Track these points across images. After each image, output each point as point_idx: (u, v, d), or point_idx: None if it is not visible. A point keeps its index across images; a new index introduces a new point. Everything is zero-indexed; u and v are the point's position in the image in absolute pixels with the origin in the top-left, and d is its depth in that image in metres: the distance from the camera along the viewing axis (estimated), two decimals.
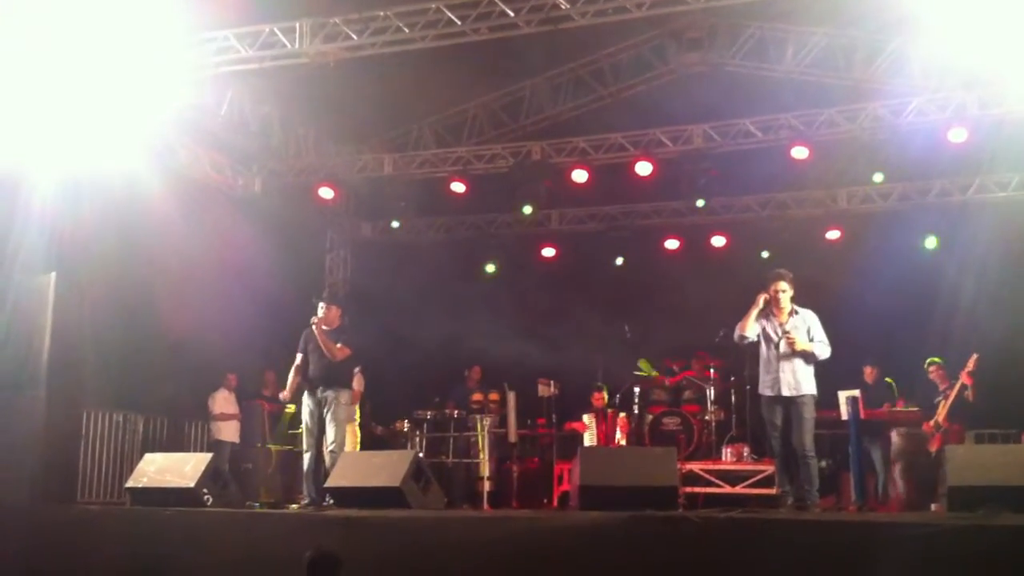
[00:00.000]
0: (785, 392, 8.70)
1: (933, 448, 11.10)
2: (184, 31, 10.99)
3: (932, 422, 11.20)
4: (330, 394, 9.64)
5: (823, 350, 8.73)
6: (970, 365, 10.97)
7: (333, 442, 9.52)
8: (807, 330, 8.78)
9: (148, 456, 9.84)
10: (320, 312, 9.87)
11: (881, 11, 11.80)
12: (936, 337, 12.12)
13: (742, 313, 9.03)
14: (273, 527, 8.29)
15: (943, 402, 11.20)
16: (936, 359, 11.74)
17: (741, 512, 7.55)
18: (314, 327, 9.74)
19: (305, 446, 9.74)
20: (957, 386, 11.06)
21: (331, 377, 9.70)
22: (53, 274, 10.42)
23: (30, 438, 10.10)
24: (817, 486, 8.61)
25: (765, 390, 8.85)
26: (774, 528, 7.10)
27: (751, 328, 8.87)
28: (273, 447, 13.19)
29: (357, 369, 11.25)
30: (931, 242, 14.05)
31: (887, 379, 11.95)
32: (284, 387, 13.44)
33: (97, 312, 10.97)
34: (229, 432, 13.03)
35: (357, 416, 11.51)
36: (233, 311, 12.61)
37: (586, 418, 12.55)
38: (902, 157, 12.92)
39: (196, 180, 13.25)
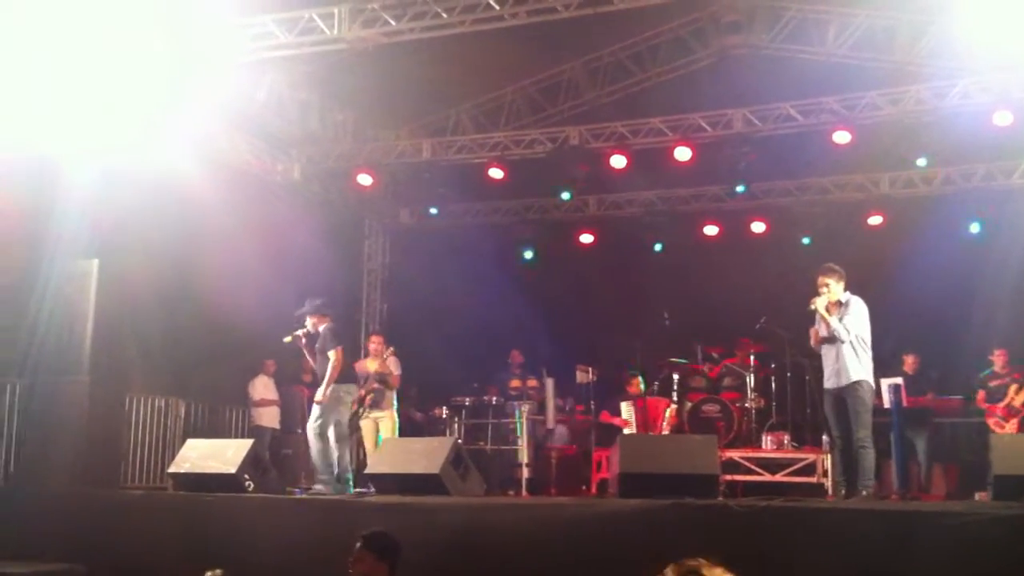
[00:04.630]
0: (832, 383, 8.71)
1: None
2: (223, 17, 11.03)
3: (1004, 404, 11.03)
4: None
5: (842, 331, 8.63)
6: None
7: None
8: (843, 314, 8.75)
9: (190, 442, 9.90)
10: (309, 324, 10.35)
11: None
12: (980, 324, 11.96)
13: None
14: (313, 513, 8.33)
15: (1015, 385, 11.03)
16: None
17: (782, 501, 7.51)
18: (301, 339, 10.39)
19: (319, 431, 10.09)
20: None
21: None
22: (96, 261, 10.50)
23: (74, 423, 10.22)
24: (871, 477, 8.49)
25: (824, 383, 8.89)
26: (815, 517, 7.05)
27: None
28: None
29: (391, 350, 11.35)
30: (975, 227, 13.84)
31: (929, 372, 11.80)
32: None
33: (139, 298, 11.06)
34: (269, 418, 13.11)
35: (395, 402, 11.56)
36: (272, 297, 12.66)
37: (624, 408, 12.48)
38: (946, 141, 12.72)
39: (235, 166, 13.29)
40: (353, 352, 14.10)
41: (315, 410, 10.10)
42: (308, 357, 10.53)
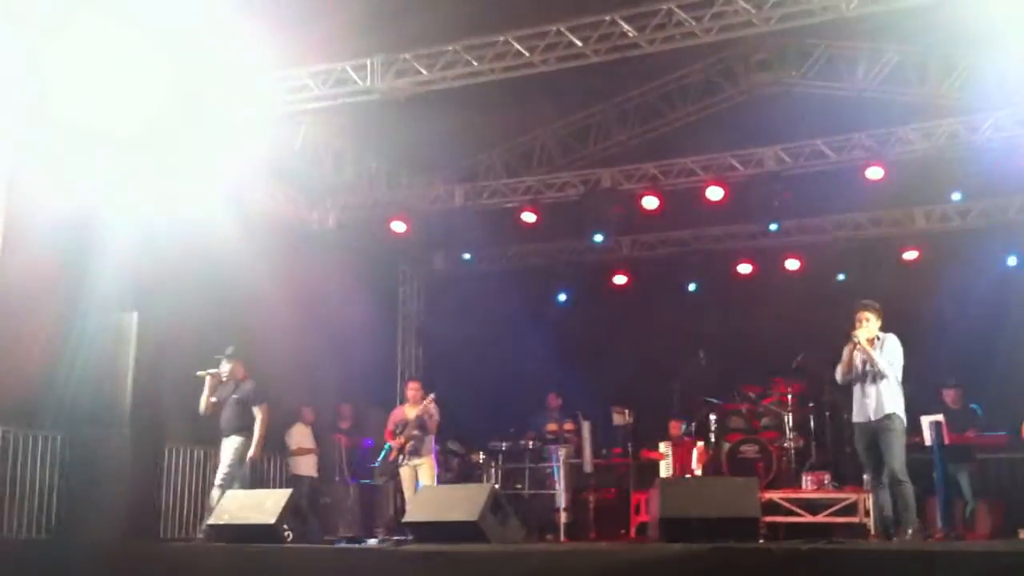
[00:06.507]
0: (865, 417, 8.63)
1: None
2: (258, 71, 11.20)
3: None
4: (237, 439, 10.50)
5: (886, 366, 8.60)
6: None
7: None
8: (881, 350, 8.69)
9: (229, 492, 9.91)
10: (223, 367, 10.58)
11: (954, 25, 11.59)
12: (1022, 357, 11.81)
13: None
14: (354, 562, 8.29)
15: None
16: None
17: (825, 543, 7.42)
18: (208, 379, 10.59)
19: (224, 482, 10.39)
20: None
21: (238, 425, 10.62)
22: (135, 313, 10.61)
23: (115, 475, 10.26)
24: (914, 512, 8.43)
25: (855, 417, 8.84)
26: (859, 559, 6.93)
27: (852, 368, 8.82)
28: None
29: (432, 397, 11.34)
30: (1013, 260, 13.70)
31: (972, 405, 11.62)
32: (359, 420, 13.63)
33: (176, 349, 11.15)
34: (307, 467, 13.11)
35: (434, 449, 11.57)
36: (308, 345, 12.74)
37: (662, 447, 12.43)
38: (980, 174, 12.66)
39: (271, 216, 13.45)
40: (388, 401, 14.17)
41: (240, 465, 10.52)
42: (206, 397, 10.65)
